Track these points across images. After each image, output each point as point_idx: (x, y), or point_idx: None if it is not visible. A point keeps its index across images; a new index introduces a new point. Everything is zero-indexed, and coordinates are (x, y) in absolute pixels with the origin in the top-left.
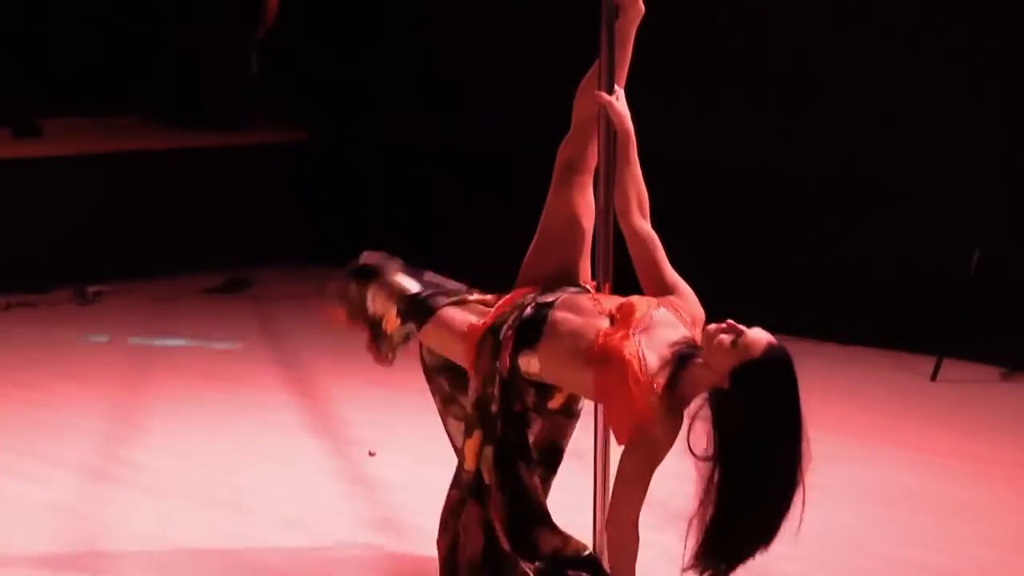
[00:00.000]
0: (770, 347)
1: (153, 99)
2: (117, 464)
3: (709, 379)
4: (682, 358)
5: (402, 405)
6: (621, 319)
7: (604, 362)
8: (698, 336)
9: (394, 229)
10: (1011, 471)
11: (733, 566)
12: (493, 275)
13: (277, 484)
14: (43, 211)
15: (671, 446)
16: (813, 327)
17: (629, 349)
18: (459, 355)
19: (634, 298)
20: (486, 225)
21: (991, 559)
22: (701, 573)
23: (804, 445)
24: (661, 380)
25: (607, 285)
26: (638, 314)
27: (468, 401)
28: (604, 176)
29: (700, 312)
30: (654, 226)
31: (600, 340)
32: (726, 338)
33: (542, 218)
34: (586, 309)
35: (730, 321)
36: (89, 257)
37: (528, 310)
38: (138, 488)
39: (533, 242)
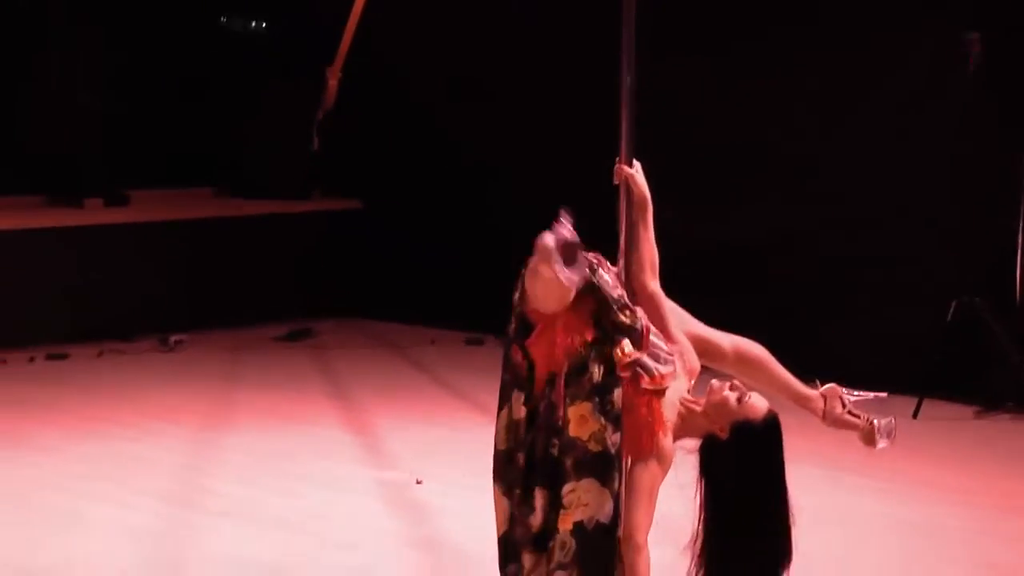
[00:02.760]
0: (770, 412)
1: (227, 174)
2: (196, 492)
3: (706, 427)
4: (690, 410)
5: (445, 439)
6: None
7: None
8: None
9: (434, 285)
10: (983, 499)
11: None
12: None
13: (336, 509)
14: (131, 270)
15: (665, 474)
16: (808, 372)
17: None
18: None
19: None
20: (507, 276)
21: (957, 574)
22: None
23: (790, 509)
24: (671, 425)
25: None
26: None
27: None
28: (623, 239)
29: (697, 364)
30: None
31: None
32: (732, 395)
33: None
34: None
35: (735, 382)
36: (171, 310)
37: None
38: (215, 513)
39: None
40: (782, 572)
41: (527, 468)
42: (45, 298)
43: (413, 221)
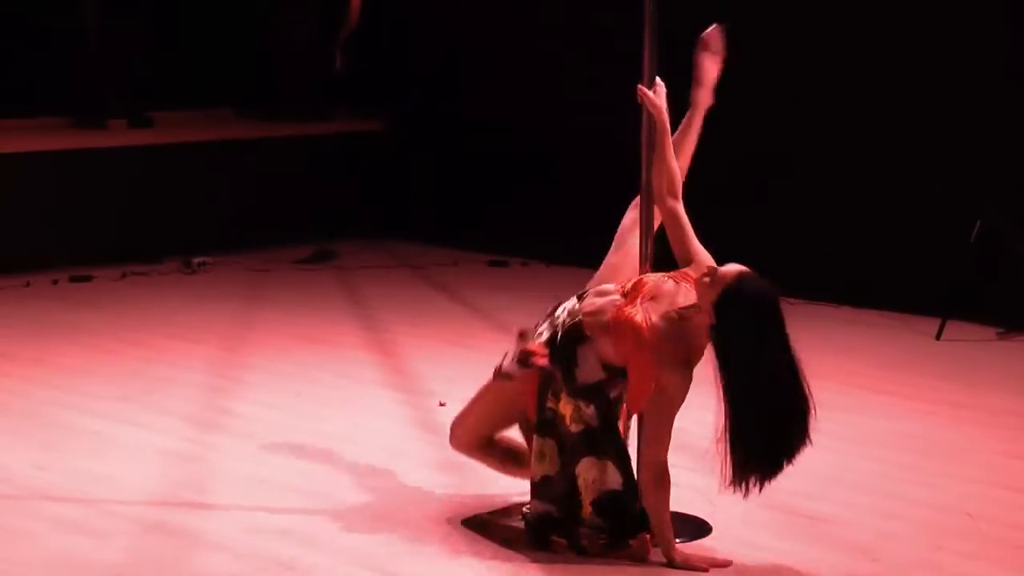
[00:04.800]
0: (741, 273)
1: (250, 95)
2: (219, 414)
3: (706, 322)
4: (682, 315)
5: (467, 361)
6: (632, 292)
7: (619, 331)
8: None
9: (452, 206)
10: (1004, 419)
11: (763, 479)
12: (542, 244)
13: (359, 431)
14: (154, 192)
15: (683, 399)
16: (833, 293)
17: (636, 314)
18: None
19: (647, 275)
20: (531, 198)
21: (979, 493)
22: (735, 490)
23: (794, 356)
24: (666, 330)
25: (647, 265)
26: (647, 287)
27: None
28: (644, 161)
29: None
30: (699, 203)
31: (612, 312)
32: (706, 278)
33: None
34: (607, 291)
35: (710, 266)
36: (194, 232)
37: (565, 316)
38: (238, 435)
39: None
40: (800, 417)
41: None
42: (69, 220)
43: (435, 143)
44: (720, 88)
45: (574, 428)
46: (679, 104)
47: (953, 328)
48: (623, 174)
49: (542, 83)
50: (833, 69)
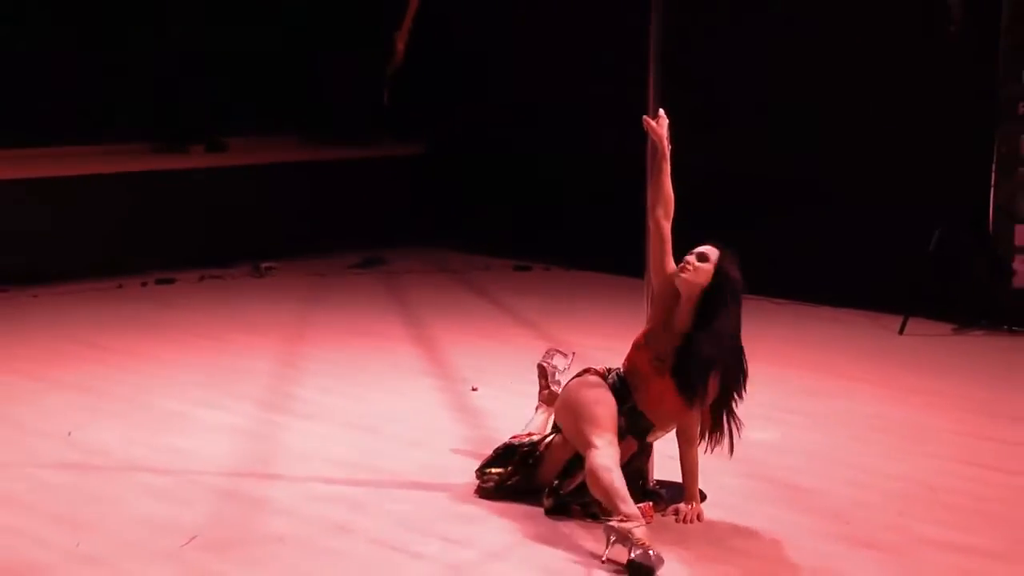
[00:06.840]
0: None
1: (310, 123)
2: (284, 398)
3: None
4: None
5: (498, 352)
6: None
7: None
8: None
9: (483, 218)
10: (960, 403)
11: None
12: (562, 251)
13: (404, 413)
14: (228, 207)
15: None
16: (811, 294)
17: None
18: None
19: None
20: (552, 212)
21: (937, 467)
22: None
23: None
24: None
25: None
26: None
27: None
28: (648, 181)
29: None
30: (694, 217)
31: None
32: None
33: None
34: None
35: (700, 251)
36: (262, 241)
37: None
38: (301, 416)
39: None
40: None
41: None
42: (155, 231)
43: (470, 164)
44: (710, 109)
45: None
46: (679, 126)
47: (914, 324)
48: (634, 191)
49: (562, 110)
50: (809, 90)
